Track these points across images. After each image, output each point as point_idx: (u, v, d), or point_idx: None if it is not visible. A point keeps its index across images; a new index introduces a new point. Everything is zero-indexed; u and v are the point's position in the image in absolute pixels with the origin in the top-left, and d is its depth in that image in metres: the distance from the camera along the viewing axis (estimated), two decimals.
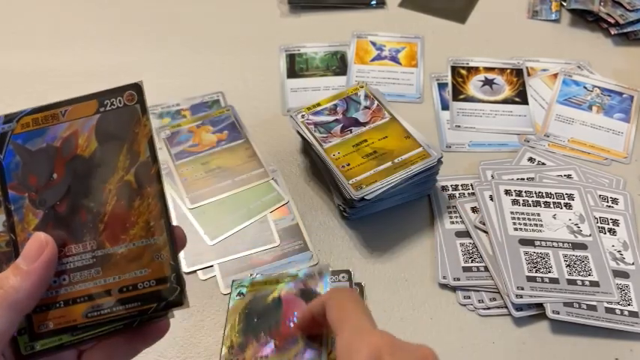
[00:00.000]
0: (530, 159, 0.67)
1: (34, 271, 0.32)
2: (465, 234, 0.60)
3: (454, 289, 0.57)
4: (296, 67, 0.79)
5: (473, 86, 0.76)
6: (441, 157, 0.60)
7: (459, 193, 0.64)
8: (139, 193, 0.33)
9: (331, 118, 0.64)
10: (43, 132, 0.34)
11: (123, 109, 0.34)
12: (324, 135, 0.63)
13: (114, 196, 0.33)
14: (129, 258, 0.33)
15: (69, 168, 0.34)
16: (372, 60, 0.80)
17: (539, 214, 0.60)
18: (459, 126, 0.72)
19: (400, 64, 0.79)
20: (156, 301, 0.33)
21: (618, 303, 0.54)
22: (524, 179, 0.64)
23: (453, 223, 0.61)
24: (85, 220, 0.33)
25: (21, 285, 0.32)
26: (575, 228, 0.59)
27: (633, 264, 0.57)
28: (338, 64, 0.79)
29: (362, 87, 0.67)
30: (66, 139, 0.34)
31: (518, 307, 0.55)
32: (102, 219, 0.33)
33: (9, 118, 0.34)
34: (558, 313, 0.53)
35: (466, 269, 0.58)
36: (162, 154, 0.68)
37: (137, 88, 0.34)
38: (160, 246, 0.33)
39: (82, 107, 0.34)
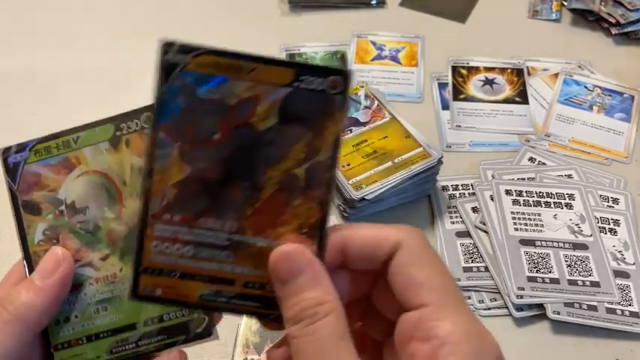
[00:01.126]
0: (531, 159, 0.67)
1: (48, 288, 0.31)
2: (466, 234, 0.60)
3: None
4: None
5: (473, 86, 0.76)
6: (442, 157, 0.60)
7: (460, 193, 0.64)
8: (304, 193, 0.28)
9: None
10: (220, 81, 0.28)
11: (320, 95, 0.28)
12: None
13: (275, 184, 0.28)
14: (267, 255, 0.28)
15: (236, 134, 0.28)
16: (372, 60, 0.80)
17: (539, 214, 0.60)
18: (459, 126, 0.72)
19: (400, 63, 0.79)
20: (278, 309, 0.29)
21: (619, 303, 0.54)
22: (524, 179, 0.64)
23: (453, 223, 0.61)
24: (234, 198, 0.28)
25: (33, 302, 0.30)
26: (576, 228, 0.59)
27: (634, 264, 0.57)
28: (338, 64, 0.79)
29: (362, 87, 0.67)
30: (243, 100, 0.28)
31: (519, 308, 0.54)
32: (253, 203, 0.28)
33: (184, 49, 0.28)
34: (559, 314, 0.53)
35: (466, 269, 0.57)
36: None
37: (345, 76, 0.28)
38: None
39: (273, 72, 0.28)
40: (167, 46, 0.28)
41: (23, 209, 0.34)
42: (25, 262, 0.33)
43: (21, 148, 0.34)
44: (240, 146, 0.28)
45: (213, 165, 0.28)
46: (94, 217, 0.34)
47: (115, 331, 0.33)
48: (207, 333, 0.34)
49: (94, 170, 0.34)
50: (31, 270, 0.33)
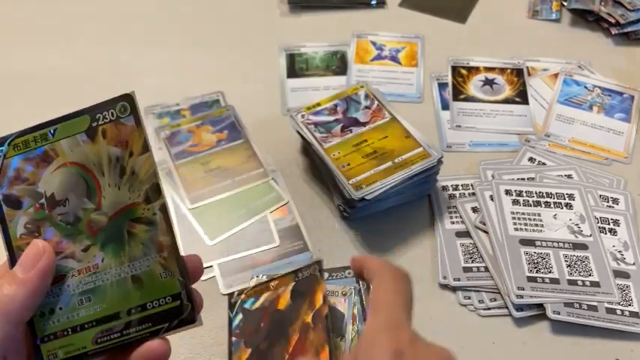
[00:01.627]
0: (531, 159, 0.67)
1: (29, 280, 0.32)
2: (466, 234, 0.60)
3: (454, 289, 0.57)
4: (296, 66, 0.78)
5: (473, 86, 0.76)
6: (442, 157, 0.60)
7: (460, 193, 0.64)
8: (314, 329, 0.45)
9: (331, 118, 0.64)
10: (256, 299, 0.52)
11: (312, 277, 0.50)
12: (324, 135, 0.63)
13: (296, 332, 0.46)
14: None
15: (271, 318, 0.47)
16: (372, 60, 0.80)
17: (539, 214, 0.60)
18: (459, 126, 0.72)
19: (400, 63, 0.79)
20: None
21: (619, 303, 0.54)
22: (524, 179, 0.64)
23: (453, 223, 0.61)
24: (276, 351, 0.46)
25: (15, 294, 0.31)
26: (576, 228, 0.59)
27: (634, 264, 0.57)
28: (338, 64, 0.79)
29: (362, 87, 0.67)
30: (272, 300, 0.50)
31: (519, 308, 0.54)
32: (287, 349, 0.46)
33: (240, 293, 0.53)
34: (559, 314, 0.53)
35: (466, 269, 0.57)
36: (162, 154, 0.68)
37: (320, 264, 0.50)
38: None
39: (284, 279, 0.51)
40: (230, 296, 0.53)
41: (4, 203, 0.34)
42: (8, 255, 0.34)
43: None
44: (275, 322, 0.48)
45: (263, 340, 0.48)
46: (73, 208, 0.34)
47: (100, 321, 0.34)
48: (192, 319, 0.34)
49: (72, 162, 0.35)
50: (13, 263, 0.33)
